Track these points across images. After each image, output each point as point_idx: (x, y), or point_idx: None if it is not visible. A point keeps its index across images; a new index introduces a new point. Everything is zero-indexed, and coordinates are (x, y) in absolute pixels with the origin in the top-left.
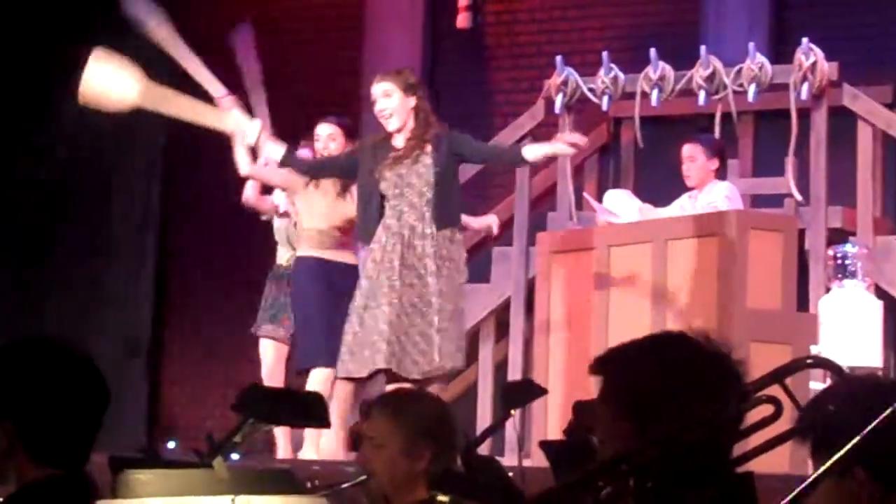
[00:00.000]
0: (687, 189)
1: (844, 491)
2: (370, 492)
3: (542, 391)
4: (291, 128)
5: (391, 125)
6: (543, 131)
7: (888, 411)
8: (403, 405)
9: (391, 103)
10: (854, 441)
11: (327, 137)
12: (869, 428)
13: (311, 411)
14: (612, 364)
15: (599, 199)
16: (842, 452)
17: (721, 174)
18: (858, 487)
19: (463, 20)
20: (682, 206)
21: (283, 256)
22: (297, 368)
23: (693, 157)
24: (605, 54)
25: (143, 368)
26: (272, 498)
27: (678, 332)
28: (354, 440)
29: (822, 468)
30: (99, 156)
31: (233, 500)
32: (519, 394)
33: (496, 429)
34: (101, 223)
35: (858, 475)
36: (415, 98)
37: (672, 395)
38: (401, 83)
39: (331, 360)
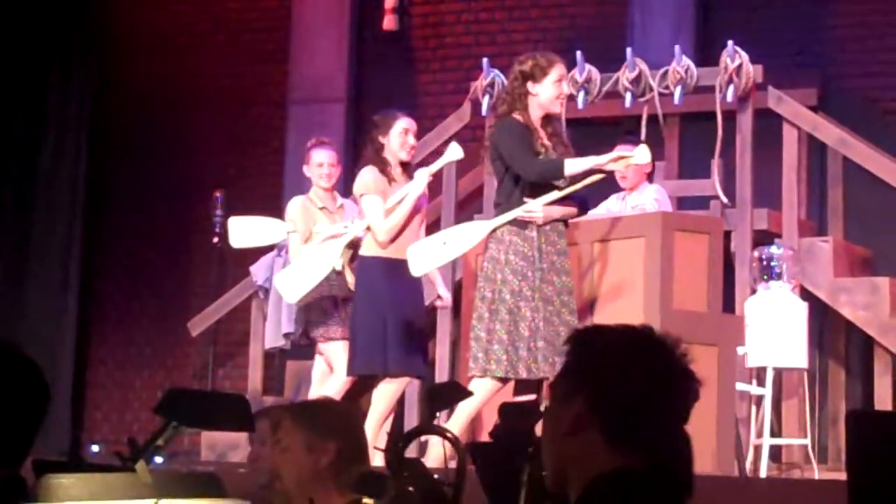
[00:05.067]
0: (614, 190)
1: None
2: (277, 496)
3: (468, 393)
4: (217, 126)
5: None
6: (469, 134)
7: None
8: (306, 407)
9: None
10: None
11: (411, 132)
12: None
13: (234, 414)
14: (584, 340)
15: None
16: None
17: (650, 177)
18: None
19: (389, 22)
20: (609, 209)
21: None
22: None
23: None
24: None
25: (67, 372)
26: (195, 501)
27: (648, 326)
28: None
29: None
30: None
31: None
32: (444, 396)
33: (422, 431)
34: (22, 231)
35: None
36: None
37: (634, 384)
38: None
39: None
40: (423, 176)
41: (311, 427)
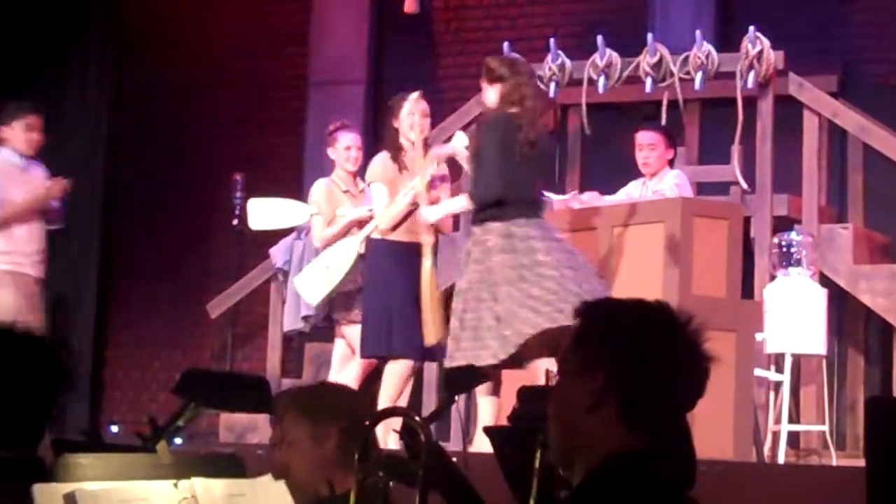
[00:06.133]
0: (634, 176)
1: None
2: (294, 490)
3: (485, 377)
4: (236, 108)
5: None
6: None
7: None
8: (306, 396)
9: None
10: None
11: (418, 112)
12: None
13: (254, 396)
14: (602, 313)
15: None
16: None
17: (671, 163)
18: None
19: (410, 5)
20: (630, 194)
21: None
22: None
23: (654, 146)
24: (552, 41)
25: (86, 353)
26: (215, 481)
27: (664, 302)
28: None
29: None
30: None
31: (175, 485)
32: (462, 380)
33: (440, 414)
34: None
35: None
36: (499, 84)
37: (655, 360)
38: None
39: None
40: (426, 170)
41: (314, 415)
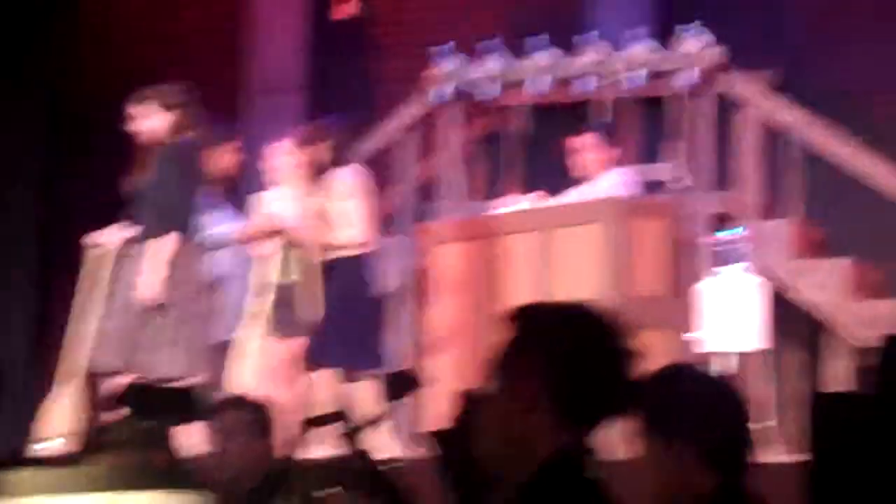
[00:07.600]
0: (580, 179)
1: (669, 463)
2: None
3: (422, 384)
4: None
5: None
6: (429, 120)
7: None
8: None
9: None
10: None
11: None
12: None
13: (187, 407)
14: (532, 316)
15: (489, 188)
16: None
17: (612, 162)
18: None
19: (339, 12)
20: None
21: None
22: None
23: (580, 150)
24: (491, 42)
25: (24, 368)
26: (148, 494)
27: (588, 302)
28: None
29: None
30: None
31: (110, 499)
32: (399, 386)
33: (376, 422)
34: None
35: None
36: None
37: (585, 358)
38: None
39: None
40: None
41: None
